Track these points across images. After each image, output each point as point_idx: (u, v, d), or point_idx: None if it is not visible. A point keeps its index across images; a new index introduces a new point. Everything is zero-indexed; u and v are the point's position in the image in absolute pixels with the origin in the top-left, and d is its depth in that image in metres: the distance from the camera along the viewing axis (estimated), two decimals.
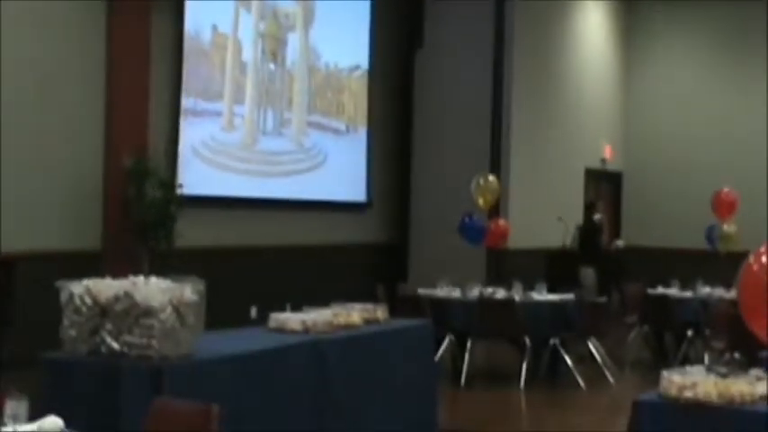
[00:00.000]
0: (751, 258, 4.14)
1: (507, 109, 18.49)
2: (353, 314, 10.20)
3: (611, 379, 13.97)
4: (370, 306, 10.71)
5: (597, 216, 18.54)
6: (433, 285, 14.53)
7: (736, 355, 7.21)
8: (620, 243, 17.36)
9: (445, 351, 13.90)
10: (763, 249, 4.17)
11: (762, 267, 4.04)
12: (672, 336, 15.68)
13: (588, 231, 17.87)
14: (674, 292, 15.54)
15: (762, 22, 20.65)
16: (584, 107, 20.96)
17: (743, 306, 4.14)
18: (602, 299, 14.85)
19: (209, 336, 8.11)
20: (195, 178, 14.29)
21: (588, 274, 16.73)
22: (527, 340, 13.76)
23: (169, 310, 7.27)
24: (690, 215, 17.73)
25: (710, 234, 16.36)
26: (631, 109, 22.12)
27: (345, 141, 17.80)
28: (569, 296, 14.30)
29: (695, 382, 6.79)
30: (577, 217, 19.97)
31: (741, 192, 16.68)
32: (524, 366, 13.70)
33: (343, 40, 18.01)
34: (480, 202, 15.46)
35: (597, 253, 17.24)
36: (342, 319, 9.96)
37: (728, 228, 16.04)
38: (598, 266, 16.93)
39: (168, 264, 8.38)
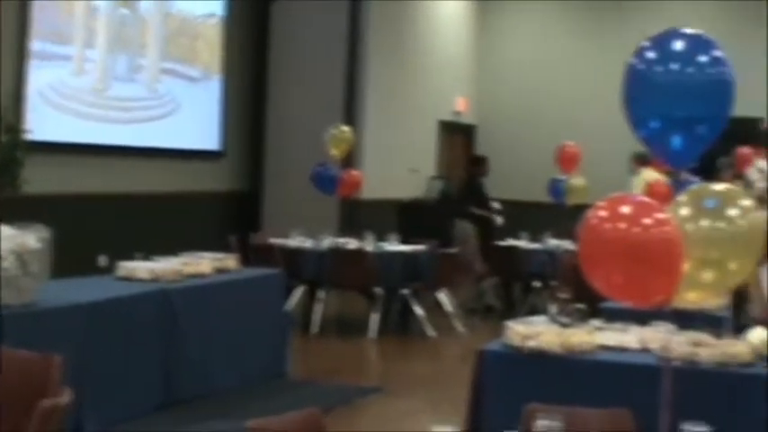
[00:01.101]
0: (591, 212, 4.19)
1: (363, 62, 18.46)
2: (203, 263, 10.22)
3: (460, 328, 14.12)
4: (220, 255, 10.72)
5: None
6: (286, 235, 14.49)
7: (580, 305, 7.35)
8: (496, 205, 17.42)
9: (297, 301, 13.88)
10: (602, 203, 4.23)
11: (600, 221, 4.10)
12: (520, 286, 15.90)
13: (471, 187, 17.84)
14: (522, 244, 15.77)
15: None
16: (439, 62, 21.02)
17: (582, 259, 4.19)
18: (454, 250, 14.94)
19: (54, 284, 8.02)
20: (44, 123, 13.95)
21: (466, 228, 16.80)
22: (378, 290, 13.84)
23: (12, 257, 7.18)
24: (540, 168, 17.88)
25: (554, 187, 16.55)
26: (485, 65, 22.24)
27: (200, 89, 17.54)
28: (421, 247, 14.40)
29: (538, 332, 6.91)
30: (430, 169, 20.12)
31: (588, 147, 16.88)
32: (375, 316, 13.79)
33: None
34: (334, 152, 15.41)
35: (479, 207, 17.27)
36: (191, 269, 9.96)
37: (576, 181, 16.24)
38: (477, 222, 17.01)
39: (14, 211, 8.21)
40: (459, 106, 21.64)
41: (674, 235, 4.10)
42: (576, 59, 21.03)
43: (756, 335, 6.96)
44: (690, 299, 4.38)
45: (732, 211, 4.29)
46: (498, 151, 21.37)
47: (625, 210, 4.17)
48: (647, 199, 4.31)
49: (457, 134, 21.76)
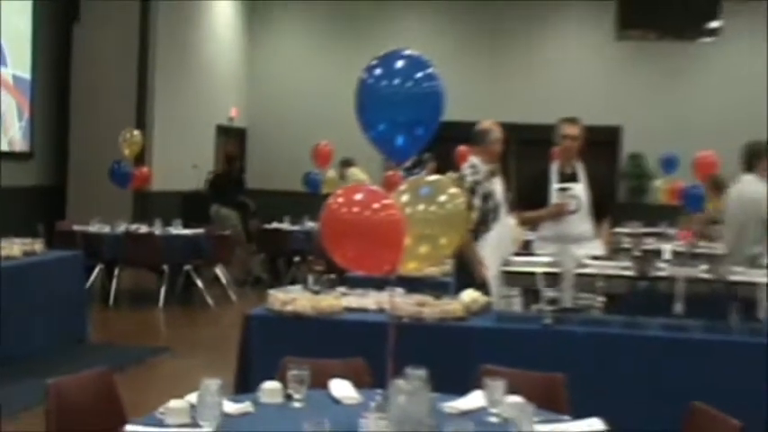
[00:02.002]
0: (331, 198, 4.27)
1: (151, 75, 18.30)
2: (14, 247, 10.13)
3: (234, 297, 14.15)
4: (28, 240, 10.64)
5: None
6: (87, 223, 14.32)
7: (330, 276, 7.45)
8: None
9: (96, 277, 13.71)
10: (340, 191, 4.30)
11: (338, 206, 4.18)
12: (284, 261, 16.02)
13: (226, 178, 17.81)
14: (285, 226, 15.99)
15: (363, 10, 21.20)
16: (216, 76, 20.96)
17: (325, 237, 4.26)
18: (227, 232, 14.94)
19: None
20: None
21: (229, 214, 16.79)
22: (165, 267, 13.75)
23: None
24: (299, 164, 17.95)
25: (310, 179, 16.73)
26: (254, 76, 22.23)
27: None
28: (200, 230, 14.43)
29: (294, 298, 6.96)
30: (209, 165, 20.08)
31: (340, 145, 16.98)
32: (163, 289, 13.72)
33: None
34: (126, 152, 15.36)
35: (237, 196, 17.26)
36: (4, 252, 9.85)
37: (329, 174, 16.45)
38: (236, 207, 17.02)
39: None
40: (233, 113, 21.61)
41: (397, 217, 4.19)
42: (327, 73, 21.12)
43: (467, 295, 7.17)
44: (410, 268, 4.49)
45: (442, 197, 4.43)
46: (266, 150, 21.52)
47: (358, 197, 4.24)
48: (375, 188, 4.39)
49: (231, 136, 21.71)
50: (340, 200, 4.24)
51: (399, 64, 4.40)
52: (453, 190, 4.50)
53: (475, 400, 4.63)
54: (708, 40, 21.41)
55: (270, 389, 4.67)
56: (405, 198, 4.42)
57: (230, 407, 4.40)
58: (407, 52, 4.46)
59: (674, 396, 6.43)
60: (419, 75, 4.36)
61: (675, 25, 21.44)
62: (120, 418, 4.66)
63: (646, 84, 21.22)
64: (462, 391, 4.80)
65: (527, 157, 17.65)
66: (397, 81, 4.33)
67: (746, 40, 21.04)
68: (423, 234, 4.34)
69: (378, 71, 4.41)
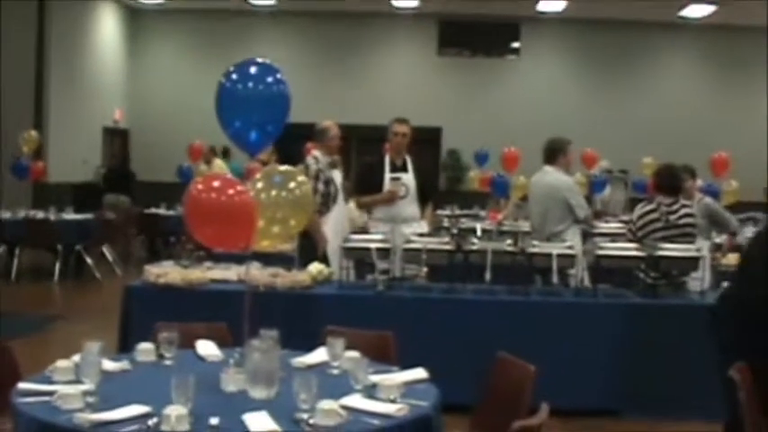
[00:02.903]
0: (192, 185, 4.11)
1: (47, 83, 17.71)
2: None
3: (119, 272, 13.78)
4: None
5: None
6: None
7: (199, 252, 7.28)
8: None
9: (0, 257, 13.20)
10: (200, 179, 4.15)
11: (199, 191, 4.03)
12: (161, 241, 15.66)
13: (121, 173, 17.57)
14: (162, 211, 15.65)
15: (230, 25, 20.86)
16: (102, 81, 20.31)
17: (187, 218, 4.10)
18: (112, 216, 14.55)
19: None
20: None
21: (123, 200, 16.53)
22: (59, 247, 13.33)
23: None
24: (175, 159, 17.54)
25: (183, 171, 16.43)
26: (136, 83, 21.63)
27: None
28: (89, 215, 14.05)
29: (167, 271, 6.77)
30: (97, 161, 19.56)
31: (214, 142, 16.65)
32: (57, 266, 13.30)
33: None
34: (25, 149, 14.88)
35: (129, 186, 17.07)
36: None
37: (201, 167, 16.12)
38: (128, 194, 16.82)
39: None
40: (117, 115, 21.02)
41: (249, 201, 4.06)
42: (199, 80, 20.51)
43: (314, 267, 7.10)
44: (264, 245, 4.36)
45: (292, 185, 4.30)
46: (146, 147, 20.99)
47: (216, 184, 4.10)
48: (230, 176, 4.27)
49: (116, 136, 21.12)
50: (200, 186, 4.09)
51: (252, 70, 4.26)
52: (301, 178, 4.37)
53: (319, 355, 4.55)
54: (511, 57, 21.78)
55: (144, 349, 4.51)
56: (260, 185, 4.28)
57: (110, 365, 4.24)
58: (260, 60, 4.32)
59: (484, 349, 6.49)
60: (269, 79, 4.22)
61: (485, 44, 21.75)
62: (15, 377, 4.42)
63: (462, 91, 21.46)
64: (310, 348, 4.71)
65: (364, 152, 17.73)
66: (250, 84, 4.19)
67: (545, 56, 21.55)
68: (275, 216, 4.21)
69: (234, 76, 4.26)
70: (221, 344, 4.76)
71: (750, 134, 20.02)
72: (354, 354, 4.33)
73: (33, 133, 15.23)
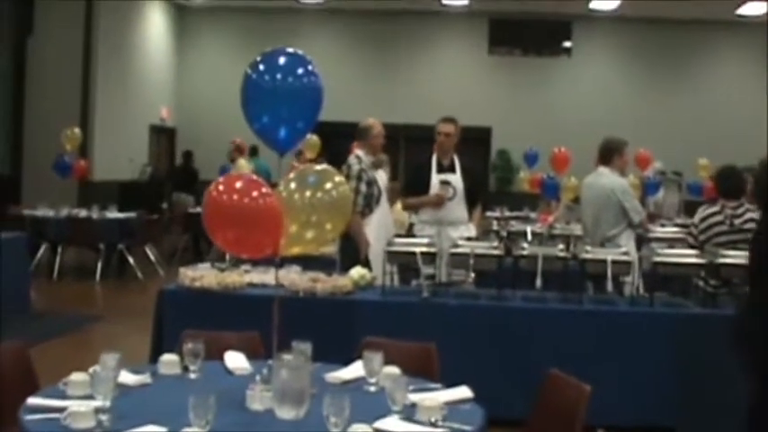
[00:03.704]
0: (212, 186, 3.79)
1: (93, 80, 17.62)
2: None
3: (161, 272, 13.58)
4: None
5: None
6: (35, 207, 13.71)
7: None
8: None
9: (42, 255, 13.09)
10: (222, 179, 3.83)
11: (219, 193, 3.70)
12: (205, 241, 15.39)
13: (185, 171, 17.40)
14: None
15: (276, 23, 20.63)
16: (149, 80, 20.22)
17: (206, 222, 3.79)
18: (155, 216, 14.36)
19: None
20: None
21: (187, 199, 16.44)
22: (101, 246, 13.17)
23: None
24: (219, 157, 17.21)
25: (224, 169, 16.10)
26: (183, 82, 21.51)
27: None
28: (132, 214, 13.86)
29: (202, 275, 6.48)
30: (143, 159, 19.42)
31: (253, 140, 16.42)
32: (99, 265, 13.12)
33: None
34: (68, 147, 14.73)
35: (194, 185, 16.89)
36: None
37: (241, 163, 15.72)
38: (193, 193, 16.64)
39: None
40: (164, 114, 20.89)
41: (274, 204, 3.73)
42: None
43: (356, 272, 6.79)
44: (297, 251, 4.02)
45: (328, 185, 3.93)
46: (192, 146, 20.78)
47: (238, 185, 3.77)
48: (254, 177, 3.92)
49: (162, 134, 21.00)
50: (221, 188, 3.76)
51: (282, 60, 3.90)
52: (338, 178, 4.00)
53: (355, 370, 4.20)
54: (563, 56, 21.36)
55: (167, 361, 4.20)
56: (293, 186, 3.92)
57: (129, 378, 3.93)
58: (290, 50, 3.97)
59: (534, 360, 6.14)
60: (300, 71, 3.86)
61: (536, 43, 21.36)
62: (33, 388, 4.13)
63: (512, 91, 21.10)
64: (348, 358, 4.38)
65: (412, 152, 17.38)
66: (278, 76, 3.83)
67: (597, 56, 21.14)
68: (309, 220, 3.85)
69: (262, 66, 3.91)
70: (253, 355, 4.44)
71: None
72: (393, 370, 3.98)
73: (77, 131, 15.07)
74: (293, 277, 6.36)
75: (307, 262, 6.68)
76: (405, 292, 6.64)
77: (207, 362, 4.14)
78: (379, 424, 3.39)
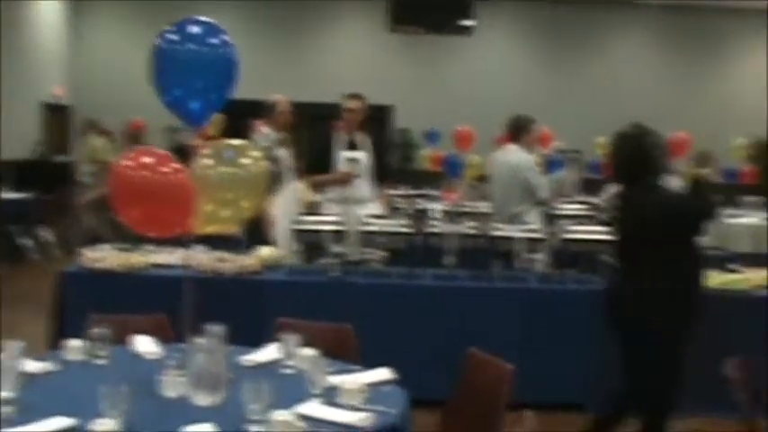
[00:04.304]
0: (118, 162, 3.60)
1: None
2: None
3: (58, 255, 13.16)
4: None
5: None
6: None
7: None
8: None
9: None
10: (129, 155, 3.64)
11: (126, 169, 3.52)
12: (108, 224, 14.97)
13: None
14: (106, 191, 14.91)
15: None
16: (42, 57, 19.55)
17: (114, 200, 3.60)
18: (51, 196, 13.91)
19: None
20: None
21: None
22: None
23: None
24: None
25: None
26: (79, 58, 20.85)
27: None
28: (28, 194, 13.39)
29: (104, 255, 6.24)
30: (34, 136, 18.83)
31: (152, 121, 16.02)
32: None
33: None
34: None
35: None
36: None
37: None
38: None
39: None
40: (58, 91, 20.24)
41: (186, 180, 3.56)
42: (140, 53, 20.00)
43: (264, 251, 6.64)
44: (212, 230, 3.86)
45: (245, 160, 3.76)
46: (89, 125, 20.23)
47: (147, 160, 3.58)
48: (164, 152, 3.73)
49: (57, 112, 20.35)
50: (129, 162, 3.56)
51: (195, 29, 3.71)
52: (256, 153, 3.83)
53: (271, 352, 4.06)
54: (465, 34, 21.36)
55: (74, 347, 4.00)
56: (208, 161, 3.74)
57: (34, 366, 3.72)
58: (202, 18, 3.78)
59: (449, 337, 6.09)
60: (214, 40, 3.68)
61: (437, 22, 21.28)
62: None
63: (414, 69, 21.01)
64: (259, 341, 4.25)
65: (313, 130, 17.16)
66: (191, 46, 3.65)
67: (499, 34, 21.21)
68: (225, 198, 3.68)
69: (173, 36, 3.71)
70: (161, 338, 4.27)
71: (705, 113, 19.94)
72: (311, 352, 3.86)
73: None
74: (200, 257, 6.17)
75: (211, 241, 6.48)
76: (314, 272, 6.50)
77: (114, 347, 3.96)
78: (300, 409, 3.27)
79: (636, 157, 4.98)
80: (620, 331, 5.05)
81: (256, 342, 4.24)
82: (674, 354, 4.92)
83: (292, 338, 3.90)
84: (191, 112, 3.68)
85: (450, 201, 11.05)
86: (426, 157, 17.27)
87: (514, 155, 7.72)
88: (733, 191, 13.60)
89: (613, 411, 5.14)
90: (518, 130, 7.77)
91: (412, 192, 13.28)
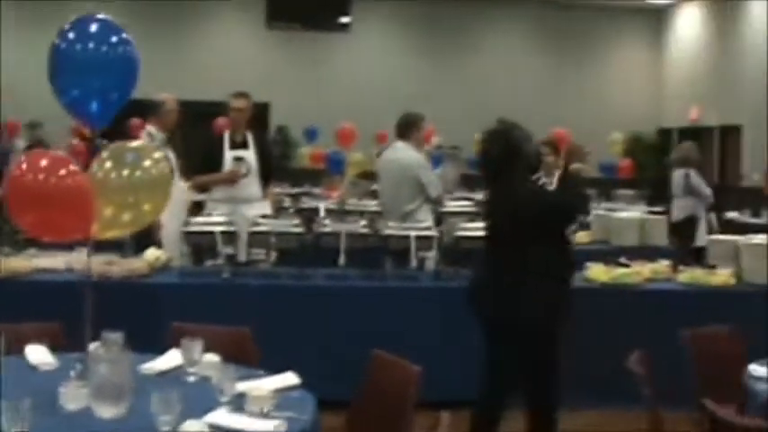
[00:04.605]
0: (14, 165, 3.45)
1: None
2: None
3: None
4: None
5: None
6: None
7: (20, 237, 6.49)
8: None
9: None
10: (25, 158, 3.49)
11: (22, 172, 3.38)
12: None
13: None
14: None
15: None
16: None
17: (9, 203, 3.45)
18: None
19: None
20: None
21: None
22: None
23: None
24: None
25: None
26: None
27: None
28: None
29: None
30: None
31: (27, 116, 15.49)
32: None
33: None
34: None
35: None
36: None
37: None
38: None
39: None
40: None
41: (84, 184, 3.43)
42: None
43: (150, 253, 6.50)
44: (111, 235, 3.73)
45: (147, 163, 3.62)
46: None
47: (43, 163, 3.44)
48: (61, 154, 3.59)
49: None
50: (24, 166, 3.42)
51: (93, 28, 3.58)
52: (157, 155, 3.70)
53: (172, 359, 3.95)
54: (342, 30, 21.38)
55: None
56: (108, 164, 3.58)
57: None
58: (101, 16, 3.64)
59: (343, 340, 6.06)
60: (114, 39, 3.56)
61: (315, 19, 21.25)
62: None
63: (292, 67, 20.90)
64: (153, 346, 4.12)
65: (193, 129, 16.85)
66: (91, 45, 3.51)
67: (376, 31, 21.27)
68: (126, 202, 3.54)
69: (71, 35, 3.57)
70: (55, 347, 4.10)
71: (583, 108, 20.43)
72: (214, 358, 3.78)
73: None
74: (85, 261, 5.97)
75: (96, 245, 6.27)
76: (204, 274, 6.38)
77: (7, 357, 3.79)
78: (210, 418, 3.19)
79: (504, 152, 5.01)
80: (489, 328, 5.07)
81: (150, 347, 4.11)
82: (548, 349, 4.95)
83: (196, 344, 3.80)
84: (89, 114, 3.55)
85: (332, 198, 11.02)
86: (306, 154, 17.18)
87: (404, 152, 7.72)
88: (610, 185, 13.98)
89: (489, 409, 5.13)
90: (408, 128, 7.76)
91: (293, 190, 13.21)
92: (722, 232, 10.06)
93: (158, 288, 6.16)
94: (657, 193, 13.03)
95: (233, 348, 4.22)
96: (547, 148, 7.98)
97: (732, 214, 13.10)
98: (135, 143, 3.85)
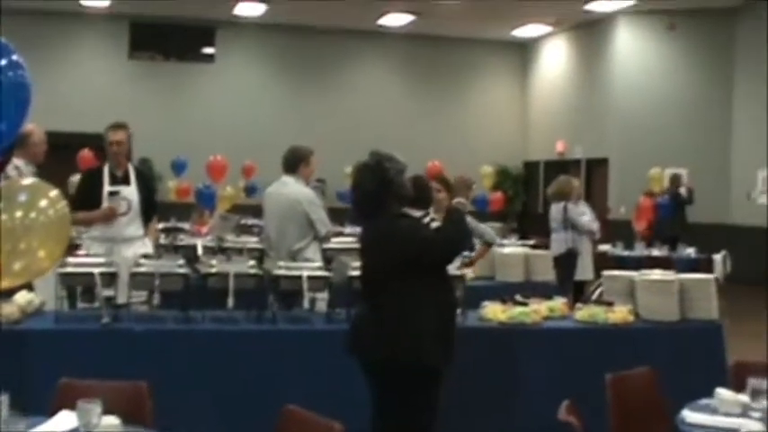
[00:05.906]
0: None
1: None
2: None
3: None
4: None
5: None
6: None
7: None
8: None
9: None
10: None
11: None
12: None
13: None
14: None
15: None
16: None
17: None
18: None
19: None
20: None
21: None
22: None
23: None
24: None
25: None
26: None
27: None
28: None
29: None
30: None
31: None
32: None
33: None
34: None
35: None
36: None
37: None
38: None
39: None
40: None
41: None
42: None
43: (20, 296, 5.99)
44: (5, 286, 3.30)
45: (43, 203, 3.22)
46: None
47: None
48: None
49: None
50: None
51: None
52: (53, 193, 3.29)
53: (66, 422, 3.53)
54: (207, 61, 20.96)
55: None
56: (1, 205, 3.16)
57: None
58: None
59: (232, 386, 5.71)
60: (3, 62, 3.16)
61: (179, 49, 20.80)
62: None
63: (155, 98, 20.40)
64: (27, 399, 3.67)
65: (55, 162, 16.11)
66: None
67: (242, 62, 20.98)
68: (16, 248, 3.12)
69: None
70: None
71: (452, 141, 20.52)
72: (113, 420, 3.39)
73: None
74: None
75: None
76: (82, 318, 5.92)
77: None
78: None
79: (377, 185, 4.84)
80: (367, 369, 4.88)
81: (24, 402, 3.68)
82: (429, 392, 4.74)
83: (93, 407, 3.40)
84: None
85: (201, 234, 10.58)
86: (173, 188, 16.66)
87: (291, 187, 7.42)
88: (482, 218, 13.95)
89: None
90: (296, 162, 7.46)
91: (166, 225, 12.68)
92: (598, 266, 10.09)
93: (31, 335, 5.66)
94: (524, 226, 13.08)
95: (126, 404, 3.84)
96: (439, 184, 7.77)
97: (604, 247, 13.21)
98: (26, 181, 3.42)
